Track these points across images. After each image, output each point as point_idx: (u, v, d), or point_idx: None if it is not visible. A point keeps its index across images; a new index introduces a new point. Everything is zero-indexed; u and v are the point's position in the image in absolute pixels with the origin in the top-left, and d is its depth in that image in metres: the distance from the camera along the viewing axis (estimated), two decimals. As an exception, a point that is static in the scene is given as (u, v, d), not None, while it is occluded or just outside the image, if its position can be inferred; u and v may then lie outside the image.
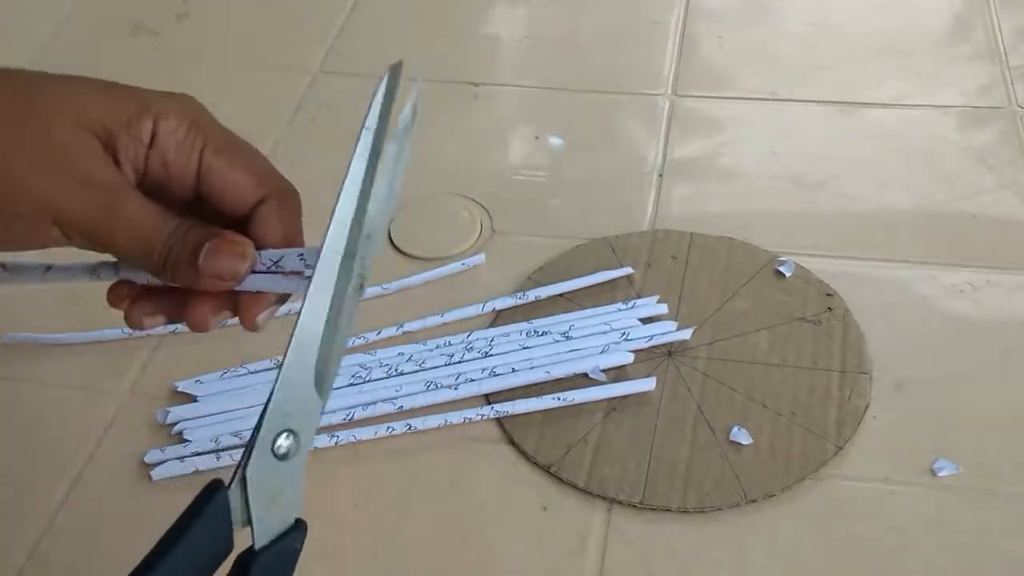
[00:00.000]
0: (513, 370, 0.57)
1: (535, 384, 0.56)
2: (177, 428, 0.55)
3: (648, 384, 0.56)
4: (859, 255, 0.64)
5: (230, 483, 0.34)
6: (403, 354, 0.59)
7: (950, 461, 0.52)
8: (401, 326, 0.60)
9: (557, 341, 0.58)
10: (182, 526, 0.33)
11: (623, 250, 0.64)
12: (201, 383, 0.57)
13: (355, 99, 0.83)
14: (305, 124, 0.76)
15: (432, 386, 0.56)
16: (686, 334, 0.58)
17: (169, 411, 0.56)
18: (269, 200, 0.38)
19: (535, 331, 0.59)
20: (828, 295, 0.61)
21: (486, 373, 0.57)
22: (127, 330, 0.60)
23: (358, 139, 0.35)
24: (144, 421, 0.56)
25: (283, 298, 0.39)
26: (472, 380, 0.57)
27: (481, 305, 0.61)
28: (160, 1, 0.88)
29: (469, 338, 0.59)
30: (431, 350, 0.59)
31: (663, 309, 0.60)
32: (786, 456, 0.53)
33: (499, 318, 0.61)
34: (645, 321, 0.60)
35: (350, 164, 0.35)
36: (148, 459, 0.54)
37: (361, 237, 0.35)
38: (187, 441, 0.55)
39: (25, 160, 0.35)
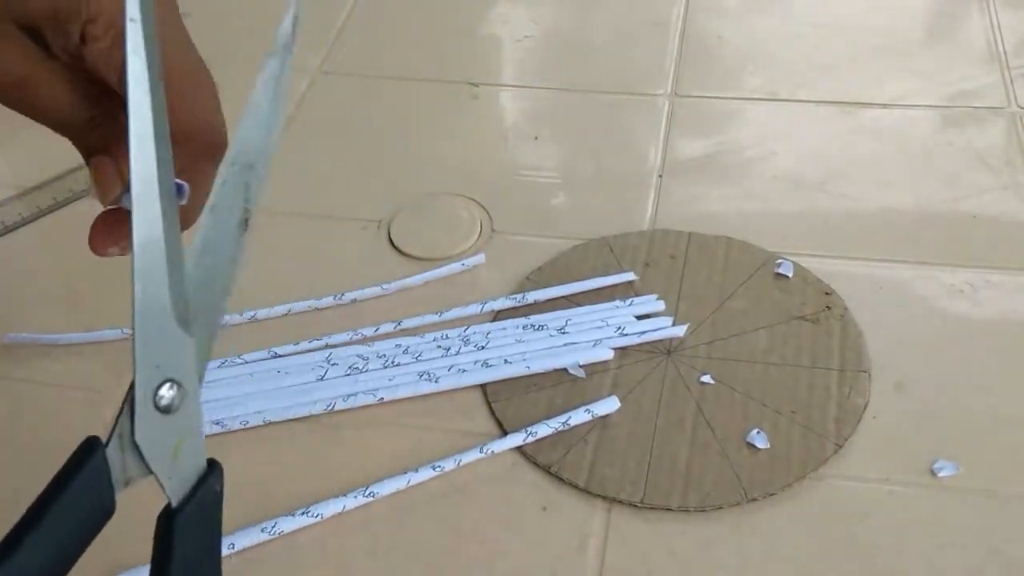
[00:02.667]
0: (506, 362, 0.57)
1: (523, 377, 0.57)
2: None
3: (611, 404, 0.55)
4: (858, 255, 0.64)
5: (108, 440, 0.31)
6: (400, 346, 0.59)
7: (950, 461, 0.52)
8: (399, 323, 0.60)
9: (552, 335, 0.59)
10: (56, 489, 0.30)
11: (622, 250, 0.64)
12: None
13: (355, 99, 0.83)
14: (305, 124, 0.76)
15: (425, 376, 0.57)
16: (680, 330, 0.59)
17: None
18: (179, 143, 0.34)
19: (532, 325, 0.59)
20: (827, 294, 0.61)
21: (479, 365, 0.57)
22: (127, 330, 0.61)
23: (125, 36, 0.29)
24: (144, 421, 0.56)
25: None
26: (464, 371, 0.57)
27: (480, 306, 0.61)
28: (160, 1, 0.88)
29: (466, 332, 0.59)
30: (428, 343, 0.59)
31: (660, 306, 0.60)
32: (786, 455, 0.53)
33: (497, 317, 0.61)
34: (641, 318, 0.60)
35: (125, 62, 0.29)
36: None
37: (238, 166, 0.33)
38: None
39: None
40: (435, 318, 0.61)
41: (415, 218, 0.68)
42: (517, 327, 0.59)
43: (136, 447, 0.31)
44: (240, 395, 0.57)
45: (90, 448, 0.30)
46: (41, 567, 0.29)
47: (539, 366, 0.57)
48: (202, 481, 0.33)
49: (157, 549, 0.32)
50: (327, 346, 0.59)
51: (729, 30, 0.83)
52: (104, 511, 0.31)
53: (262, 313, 0.61)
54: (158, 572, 0.32)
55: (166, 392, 0.31)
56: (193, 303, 0.32)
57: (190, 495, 0.33)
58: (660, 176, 0.70)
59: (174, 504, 0.32)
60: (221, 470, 0.34)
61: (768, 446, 0.53)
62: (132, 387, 0.31)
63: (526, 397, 0.56)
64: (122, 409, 0.31)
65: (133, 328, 0.30)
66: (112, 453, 0.31)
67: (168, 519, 0.32)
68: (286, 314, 0.61)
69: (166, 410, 0.31)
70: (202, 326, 0.32)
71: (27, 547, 0.29)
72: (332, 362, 0.58)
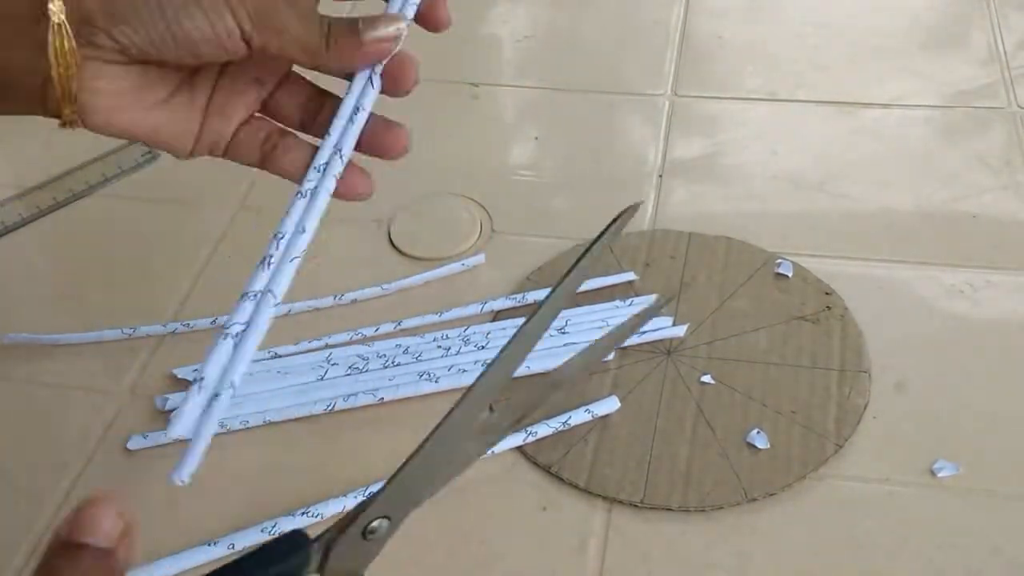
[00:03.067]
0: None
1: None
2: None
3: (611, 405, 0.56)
4: (858, 255, 0.64)
5: (314, 541, 0.34)
6: (400, 346, 0.59)
7: (950, 461, 0.52)
8: (399, 323, 0.60)
9: (552, 335, 0.59)
10: (261, 562, 0.33)
11: (621, 250, 0.64)
12: (198, 371, 0.58)
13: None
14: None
15: (426, 376, 0.57)
16: (680, 330, 0.59)
17: (168, 398, 0.57)
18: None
19: (532, 326, 0.59)
20: (827, 294, 0.61)
21: (479, 365, 0.57)
22: (127, 330, 0.61)
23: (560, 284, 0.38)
24: (144, 421, 0.56)
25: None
26: (465, 371, 0.57)
27: (480, 306, 0.61)
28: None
29: (466, 332, 0.59)
30: (428, 343, 0.59)
31: (661, 307, 0.60)
32: (786, 455, 0.53)
33: (497, 317, 0.61)
34: (643, 319, 0.60)
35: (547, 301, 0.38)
36: (131, 445, 0.55)
37: (548, 384, 0.40)
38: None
39: None
40: (435, 318, 0.61)
41: (415, 218, 0.68)
42: (517, 327, 0.59)
43: (327, 553, 0.35)
44: (240, 395, 0.57)
45: (297, 542, 0.34)
46: None
47: (539, 366, 0.57)
48: None
49: None
50: (327, 346, 0.59)
51: (729, 30, 0.83)
52: None
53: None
54: None
55: (378, 524, 0.36)
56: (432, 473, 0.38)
57: None
58: (660, 176, 0.70)
59: None
60: None
61: (768, 446, 0.53)
62: (359, 510, 0.35)
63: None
64: (339, 524, 0.35)
65: (396, 475, 0.36)
66: (313, 551, 0.35)
67: None
68: (286, 314, 0.61)
69: (367, 536, 0.36)
70: (431, 489, 0.38)
71: None
72: (332, 362, 0.58)
